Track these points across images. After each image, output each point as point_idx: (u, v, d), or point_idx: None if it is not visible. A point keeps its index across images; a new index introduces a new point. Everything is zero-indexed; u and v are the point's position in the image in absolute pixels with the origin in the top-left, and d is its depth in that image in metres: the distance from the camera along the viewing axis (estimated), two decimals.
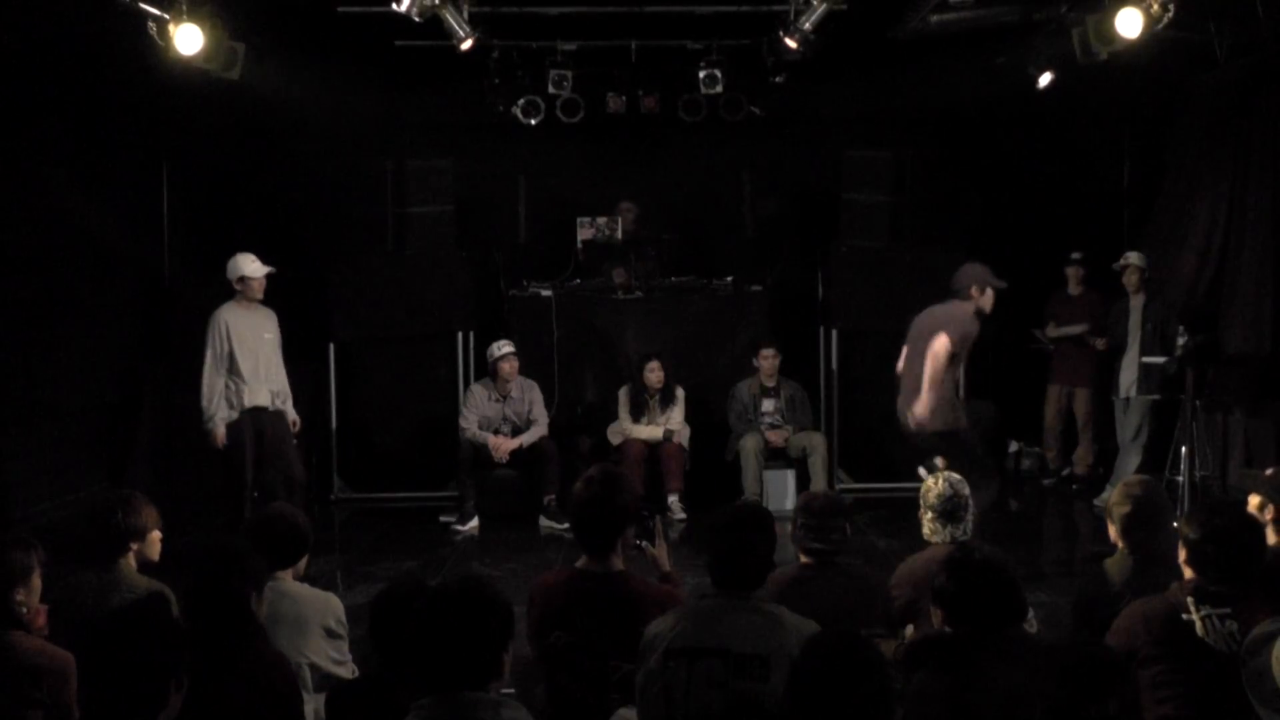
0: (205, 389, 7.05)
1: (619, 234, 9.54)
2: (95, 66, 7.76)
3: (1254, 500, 4.13)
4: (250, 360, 7.16)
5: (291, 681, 3.37)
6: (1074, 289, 9.31)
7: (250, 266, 7.19)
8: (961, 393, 6.84)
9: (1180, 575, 3.54)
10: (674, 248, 9.75)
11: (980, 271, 6.71)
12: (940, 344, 6.47)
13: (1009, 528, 8.19)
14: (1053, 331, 9.27)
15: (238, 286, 7.19)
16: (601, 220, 9.69)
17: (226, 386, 7.09)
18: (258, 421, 7.19)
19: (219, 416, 7.05)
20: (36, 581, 3.55)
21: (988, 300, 6.66)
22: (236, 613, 3.32)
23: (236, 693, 3.11)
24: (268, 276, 7.26)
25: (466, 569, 7.20)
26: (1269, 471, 4.35)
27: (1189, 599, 3.33)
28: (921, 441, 6.76)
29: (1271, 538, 4.03)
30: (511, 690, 3.74)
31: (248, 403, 7.14)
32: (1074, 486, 9.23)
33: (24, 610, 3.46)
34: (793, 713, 2.61)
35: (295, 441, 7.47)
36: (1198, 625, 3.28)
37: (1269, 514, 4.08)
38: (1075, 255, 9.28)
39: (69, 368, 8.03)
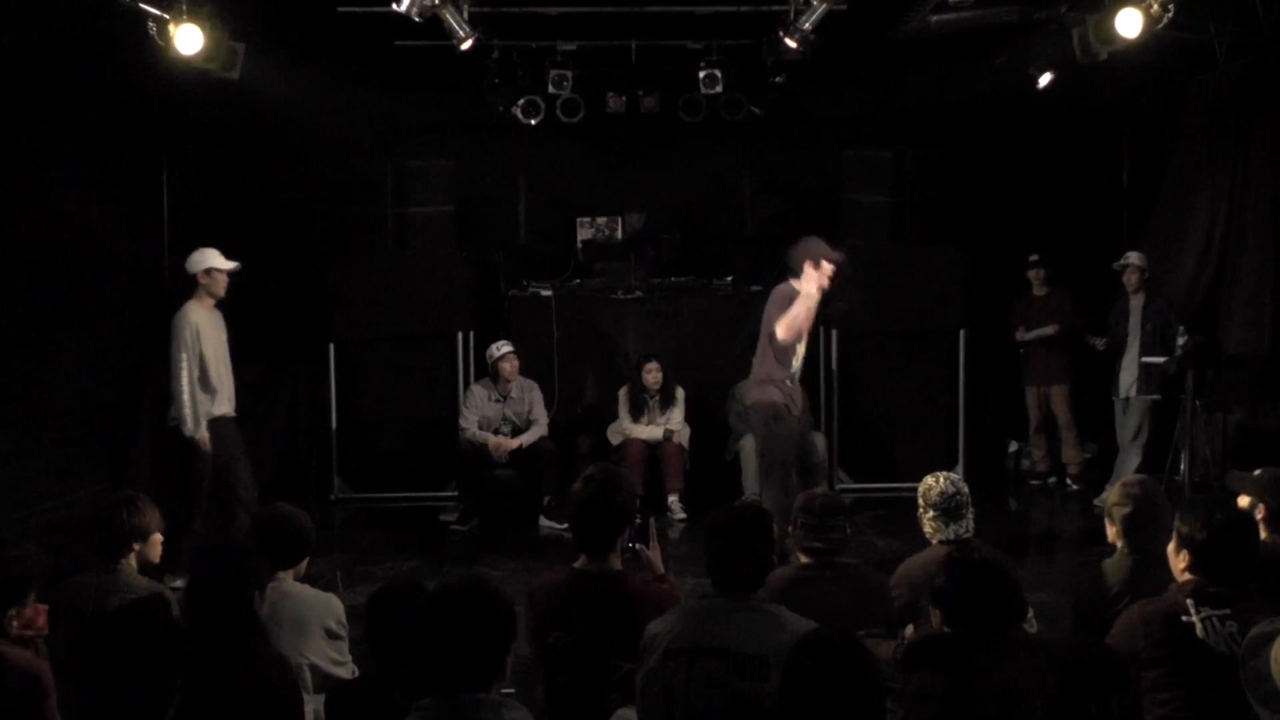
0: (186, 394, 6.63)
1: (618, 234, 9.56)
2: (95, 66, 7.76)
3: (1243, 501, 4.14)
4: (215, 365, 6.80)
5: (292, 682, 3.37)
6: (1038, 290, 9.30)
7: (218, 259, 6.79)
8: (795, 380, 6.65)
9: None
10: (674, 247, 9.75)
11: (813, 246, 6.57)
12: (785, 325, 6.44)
13: (1009, 528, 8.20)
14: (1023, 335, 9.25)
15: (203, 280, 6.76)
16: (601, 220, 9.68)
17: (201, 392, 6.72)
18: (221, 429, 6.83)
19: (204, 422, 6.69)
20: (31, 598, 3.53)
21: (825, 272, 6.49)
22: (238, 612, 3.32)
23: (236, 693, 3.11)
24: (230, 274, 6.85)
25: (466, 569, 7.20)
26: (1257, 472, 4.36)
27: (1189, 600, 3.33)
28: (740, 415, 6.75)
29: (1263, 535, 4.04)
30: (511, 690, 3.75)
31: (215, 411, 6.79)
32: (1074, 487, 9.23)
33: (14, 625, 3.42)
34: (783, 712, 2.61)
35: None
36: (1198, 627, 3.27)
37: (1260, 513, 4.09)
38: (1033, 257, 9.27)
39: (69, 368, 8.03)
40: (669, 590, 3.87)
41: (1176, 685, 3.26)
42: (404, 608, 3.32)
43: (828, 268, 6.51)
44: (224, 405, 6.90)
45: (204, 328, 6.76)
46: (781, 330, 6.39)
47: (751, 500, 8.01)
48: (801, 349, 6.65)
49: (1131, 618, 3.42)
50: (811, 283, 6.39)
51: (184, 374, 6.66)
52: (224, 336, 6.95)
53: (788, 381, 6.56)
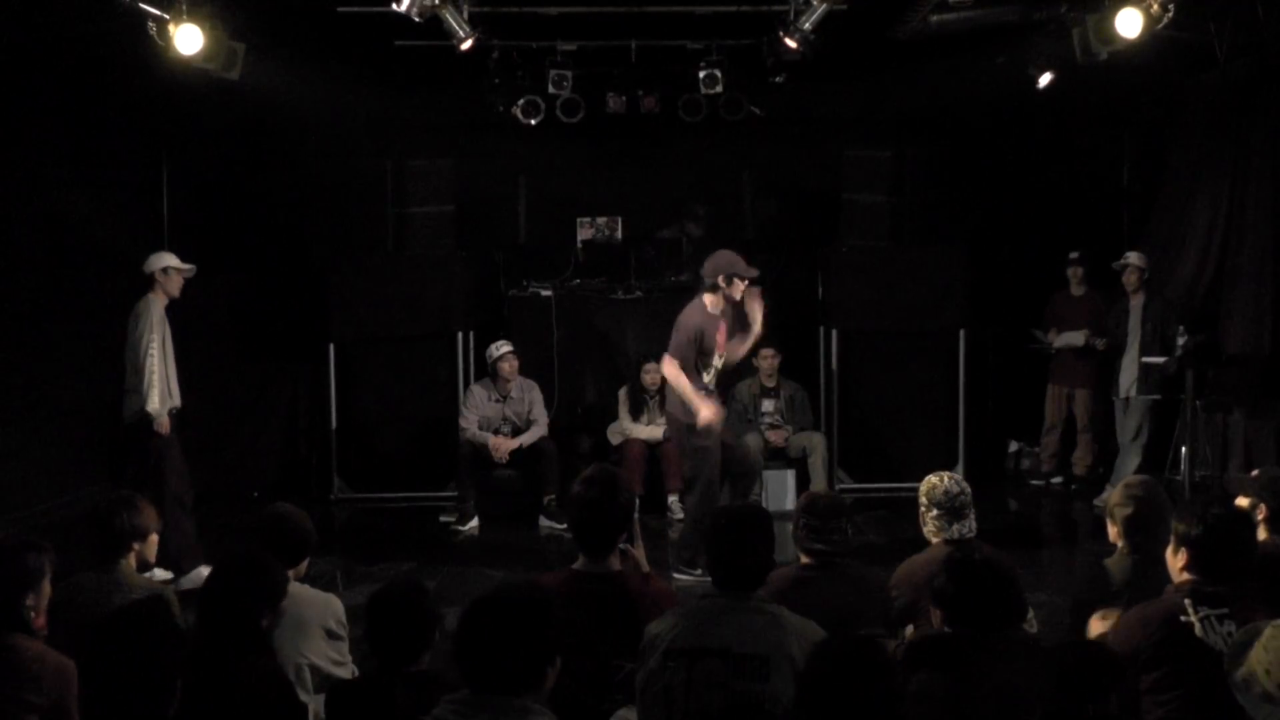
0: (156, 375, 6.70)
1: (618, 234, 9.57)
2: (95, 66, 7.76)
3: (1243, 502, 4.14)
4: (171, 359, 6.90)
5: (294, 699, 3.35)
6: (1076, 290, 9.24)
7: (175, 260, 6.93)
8: (710, 390, 6.79)
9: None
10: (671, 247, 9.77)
11: (727, 260, 6.69)
12: (665, 370, 6.64)
13: (1009, 528, 8.20)
14: (1054, 339, 9.18)
15: (160, 278, 6.85)
16: (601, 220, 9.69)
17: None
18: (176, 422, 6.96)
19: (166, 404, 6.78)
20: (47, 587, 3.54)
21: (736, 290, 6.65)
22: (247, 627, 3.32)
23: (238, 705, 3.10)
24: (185, 276, 6.96)
25: (467, 569, 7.20)
26: (1255, 472, 4.37)
27: (1187, 601, 3.33)
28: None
29: (1263, 535, 4.05)
30: None
31: (174, 404, 6.91)
32: (1073, 487, 9.23)
33: (32, 614, 3.45)
34: (803, 717, 2.60)
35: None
36: (1196, 627, 3.27)
37: (1261, 513, 4.09)
38: (1074, 255, 9.19)
39: (69, 368, 8.03)
40: (669, 590, 3.88)
41: (1176, 686, 3.26)
42: (404, 608, 3.32)
43: (740, 285, 6.59)
44: (178, 397, 6.96)
45: (163, 323, 6.82)
46: (667, 368, 6.64)
47: (752, 500, 8.03)
48: (718, 362, 6.79)
49: (1130, 618, 3.41)
50: (703, 410, 6.53)
51: (154, 353, 6.72)
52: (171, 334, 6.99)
53: (703, 391, 6.65)
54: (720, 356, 6.80)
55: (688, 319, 6.70)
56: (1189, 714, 3.23)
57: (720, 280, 6.63)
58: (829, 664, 2.61)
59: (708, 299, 6.71)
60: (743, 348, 7.00)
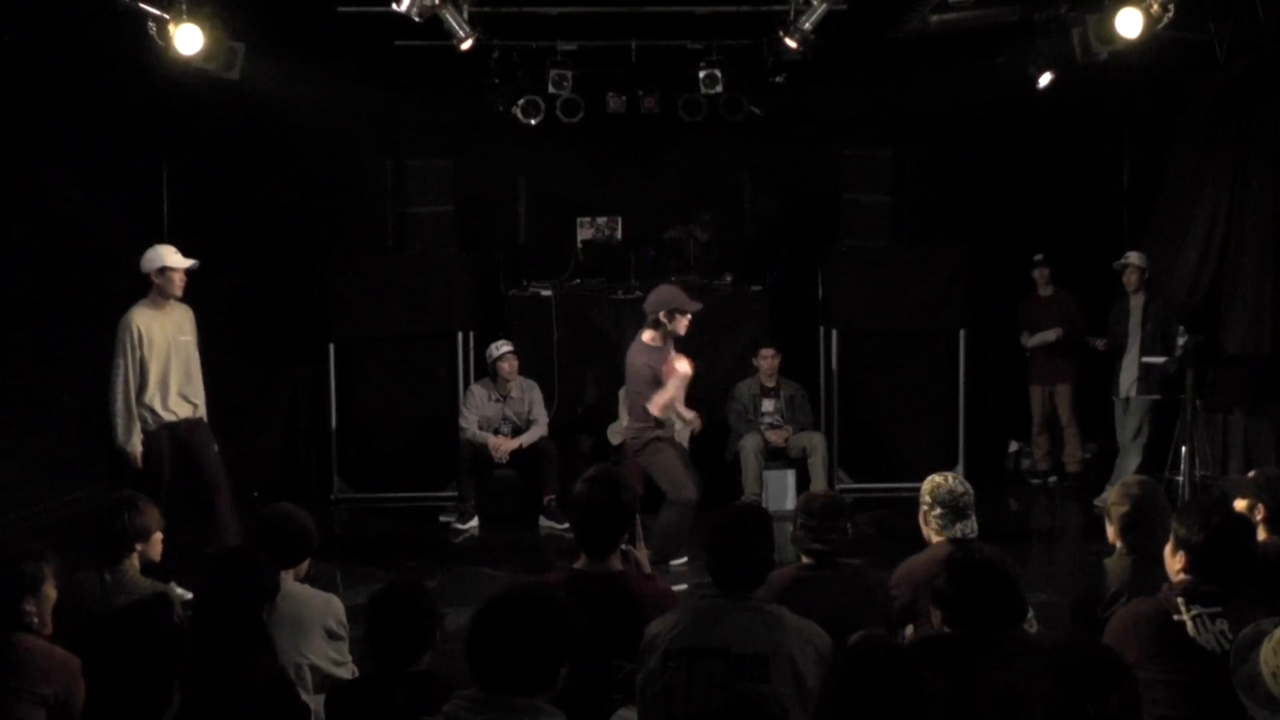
0: (120, 404, 6.40)
1: (617, 234, 9.57)
2: (95, 66, 7.76)
3: (1240, 504, 4.14)
4: (164, 367, 6.52)
5: (294, 697, 3.35)
6: (1044, 290, 9.33)
7: (173, 258, 6.50)
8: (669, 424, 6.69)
9: None
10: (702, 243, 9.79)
11: (670, 295, 6.61)
12: (655, 410, 6.44)
13: (1009, 528, 8.20)
14: (1026, 340, 9.29)
15: (156, 280, 6.48)
16: (601, 220, 9.69)
17: (140, 400, 6.44)
18: (175, 432, 6.59)
19: (136, 434, 6.42)
20: (50, 591, 3.52)
21: (680, 325, 6.54)
22: (245, 625, 3.32)
23: (236, 705, 3.09)
24: (188, 272, 6.57)
25: (467, 569, 7.20)
26: (1252, 474, 4.38)
27: (1179, 599, 3.34)
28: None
29: (1262, 535, 4.06)
30: None
31: (166, 416, 6.54)
32: (1066, 484, 9.24)
33: (34, 621, 3.44)
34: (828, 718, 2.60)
35: (217, 449, 6.84)
36: (1188, 625, 3.28)
37: (1260, 513, 4.10)
38: (1038, 257, 9.30)
39: (69, 368, 8.03)
40: (670, 590, 3.88)
41: (1168, 684, 3.27)
42: (404, 608, 3.32)
43: (682, 320, 6.53)
44: (181, 407, 6.65)
45: (149, 331, 6.49)
46: (655, 409, 6.45)
47: (751, 500, 8.04)
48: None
49: (1123, 618, 3.43)
50: (682, 363, 6.42)
51: (118, 383, 6.42)
52: (185, 335, 6.68)
53: (664, 426, 6.64)
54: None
55: (635, 359, 6.58)
56: (1182, 711, 3.24)
57: (662, 315, 6.54)
58: (857, 666, 2.60)
59: (647, 335, 6.60)
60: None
